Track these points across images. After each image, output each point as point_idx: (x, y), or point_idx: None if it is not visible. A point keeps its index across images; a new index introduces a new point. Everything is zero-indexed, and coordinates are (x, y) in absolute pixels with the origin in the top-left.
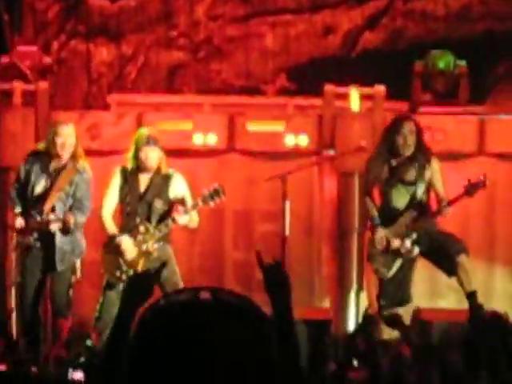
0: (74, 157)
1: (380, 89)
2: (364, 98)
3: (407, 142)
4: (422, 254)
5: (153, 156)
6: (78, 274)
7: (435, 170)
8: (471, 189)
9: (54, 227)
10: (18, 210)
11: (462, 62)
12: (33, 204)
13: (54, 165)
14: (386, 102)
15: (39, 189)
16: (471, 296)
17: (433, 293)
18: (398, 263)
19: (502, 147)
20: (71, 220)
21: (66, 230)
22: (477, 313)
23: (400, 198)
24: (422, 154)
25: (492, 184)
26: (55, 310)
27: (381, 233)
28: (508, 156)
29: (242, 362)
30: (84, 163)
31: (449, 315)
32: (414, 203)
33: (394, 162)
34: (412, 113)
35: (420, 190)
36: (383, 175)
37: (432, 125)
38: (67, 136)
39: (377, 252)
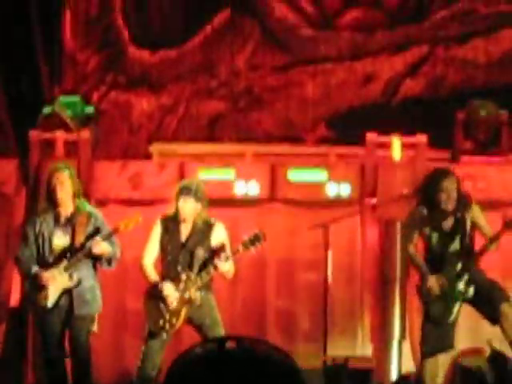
0: (75, 196)
1: (422, 138)
2: (406, 146)
3: (450, 197)
4: (467, 300)
5: (185, 206)
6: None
7: (477, 213)
8: (511, 223)
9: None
10: (35, 269)
11: (504, 111)
12: (53, 261)
13: (63, 214)
14: (427, 151)
15: (59, 242)
16: None
17: (475, 343)
18: (456, 308)
19: None
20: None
21: (108, 261)
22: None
23: (443, 246)
24: (463, 203)
25: None
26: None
27: (432, 280)
28: None
29: None
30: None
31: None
32: (461, 248)
33: (439, 216)
34: (454, 162)
35: (458, 237)
36: (425, 223)
37: (474, 174)
38: (63, 179)
39: (430, 300)
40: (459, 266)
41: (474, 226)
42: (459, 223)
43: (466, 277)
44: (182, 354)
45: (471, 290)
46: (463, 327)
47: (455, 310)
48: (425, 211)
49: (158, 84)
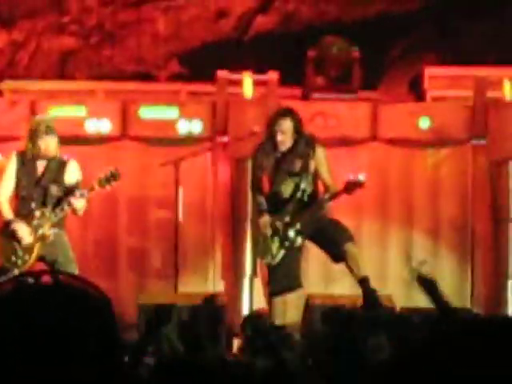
0: None
1: (273, 75)
2: (257, 84)
3: (282, 140)
4: (311, 240)
5: (52, 144)
6: None
7: (320, 159)
8: (350, 187)
9: None
10: None
11: (355, 48)
12: None
13: None
14: (279, 88)
15: None
16: (363, 282)
17: (327, 278)
18: (282, 251)
19: (394, 133)
20: None
21: None
22: (370, 298)
23: (287, 188)
24: (305, 144)
25: (384, 169)
26: None
27: (266, 218)
28: (399, 141)
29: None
30: None
31: (338, 301)
32: (298, 193)
33: (278, 154)
34: (305, 99)
35: (305, 181)
36: (269, 165)
37: (325, 111)
38: None
39: (262, 238)
40: (292, 212)
41: (317, 171)
42: (302, 166)
43: (297, 226)
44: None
45: (299, 240)
46: (313, 264)
47: (280, 255)
48: (266, 150)
49: (9, 19)
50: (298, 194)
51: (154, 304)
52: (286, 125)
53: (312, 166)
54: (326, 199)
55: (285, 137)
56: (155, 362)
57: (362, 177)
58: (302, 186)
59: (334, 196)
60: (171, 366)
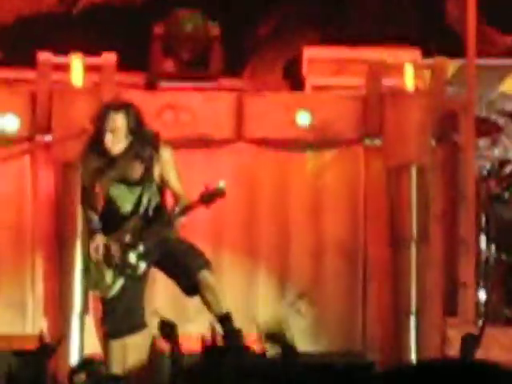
0: None
1: (110, 57)
2: (89, 68)
3: (111, 141)
4: (158, 266)
5: None
6: None
7: (166, 161)
8: (208, 197)
9: None
10: None
11: (215, 24)
12: None
13: None
14: (117, 74)
15: None
16: (224, 320)
17: (180, 315)
18: (120, 281)
19: (264, 131)
20: None
21: None
22: (231, 339)
23: (125, 201)
24: (146, 144)
25: (252, 177)
26: None
27: (99, 240)
28: (271, 142)
29: None
30: None
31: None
32: (140, 207)
33: (110, 158)
34: (150, 87)
35: (148, 191)
36: (101, 172)
37: (176, 102)
38: None
39: (95, 264)
40: (133, 231)
41: (163, 179)
42: (144, 173)
43: (140, 248)
44: None
45: (142, 266)
46: (163, 298)
47: (118, 285)
48: (96, 153)
49: None
50: (141, 209)
51: None
52: (118, 122)
53: (156, 172)
54: (177, 214)
55: (115, 137)
56: None
57: (222, 183)
58: (145, 197)
59: (187, 209)
60: None
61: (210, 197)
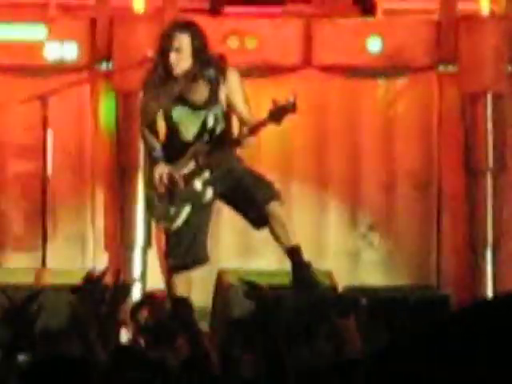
0: None
1: None
2: None
3: (176, 60)
4: (223, 199)
5: None
6: None
7: (233, 84)
8: (277, 113)
9: None
10: None
11: None
12: None
13: None
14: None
15: None
16: (293, 253)
17: (246, 250)
18: (185, 211)
19: (333, 58)
20: None
21: None
22: (300, 273)
23: (188, 125)
24: (212, 66)
25: (321, 106)
26: None
27: (162, 169)
28: (341, 69)
29: None
30: None
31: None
32: (205, 132)
33: (174, 80)
34: (214, 13)
35: (212, 115)
36: (164, 98)
37: (241, 29)
38: None
39: (156, 196)
40: (198, 158)
41: (229, 103)
42: (209, 96)
43: (205, 174)
44: None
45: (209, 194)
46: (228, 232)
47: (182, 216)
48: (159, 77)
49: None
50: (205, 134)
51: (13, 284)
52: (183, 42)
53: (222, 95)
54: (245, 133)
55: (180, 57)
56: (29, 360)
57: (292, 98)
58: (210, 122)
59: (256, 127)
60: (50, 365)
61: (279, 113)
